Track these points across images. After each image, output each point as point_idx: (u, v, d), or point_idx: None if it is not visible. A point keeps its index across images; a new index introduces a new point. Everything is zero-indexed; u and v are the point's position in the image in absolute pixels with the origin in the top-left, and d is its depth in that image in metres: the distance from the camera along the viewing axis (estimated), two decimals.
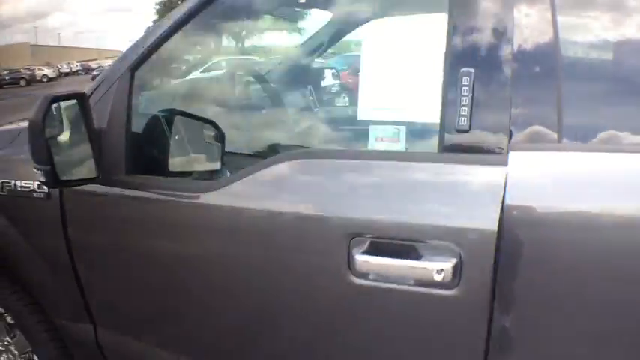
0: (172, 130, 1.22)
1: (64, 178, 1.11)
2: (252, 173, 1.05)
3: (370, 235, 0.92)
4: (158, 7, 35.12)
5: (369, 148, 1.09)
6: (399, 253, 0.88)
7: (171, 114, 1.24)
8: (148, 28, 1.35)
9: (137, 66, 1.18)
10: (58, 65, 42.28)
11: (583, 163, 0.84)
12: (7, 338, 1.75)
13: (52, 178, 1.09)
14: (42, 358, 1.60)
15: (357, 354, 1.02)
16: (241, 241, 1.07)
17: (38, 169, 1.10)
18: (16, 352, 1.71)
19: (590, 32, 0.94)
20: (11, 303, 1.57)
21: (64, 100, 1.12)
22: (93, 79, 8.03)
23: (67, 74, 41.77)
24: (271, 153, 1.34)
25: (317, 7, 1.83)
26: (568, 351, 0.84)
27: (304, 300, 1.04)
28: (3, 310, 1.63)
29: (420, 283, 0.88)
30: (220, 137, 1.28)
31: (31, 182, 1.38)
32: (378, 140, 1.08)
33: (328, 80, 2.09)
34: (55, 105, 1.10)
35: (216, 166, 1.22)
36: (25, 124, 1.25)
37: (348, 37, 1.82)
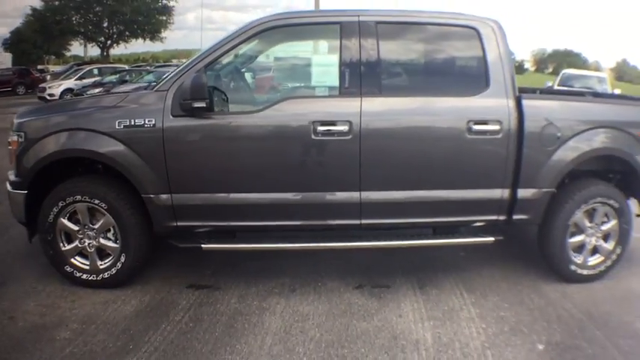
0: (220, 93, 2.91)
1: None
2: (270, 106, 2.85)
3: (319, 122, 2.84)
4: None
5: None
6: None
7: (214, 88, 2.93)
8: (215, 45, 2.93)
9: (207, 65, 2.86)
10: None
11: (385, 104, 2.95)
12: (89, 224, 3.01)
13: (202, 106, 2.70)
14: (124, 227, 2.95)
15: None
16: (267, 136, 2.86)
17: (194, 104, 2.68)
18: (94, 233, 3.01)
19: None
20: (109, 197, 2.93)
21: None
22: None
23: None
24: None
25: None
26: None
27: (291, 153, 2.89)
28: (99, 201, 2.94)
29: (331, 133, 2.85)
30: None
31: (143, 117, 2.85)
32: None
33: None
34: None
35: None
36: (128, 87, 2.73)
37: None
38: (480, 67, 3.01)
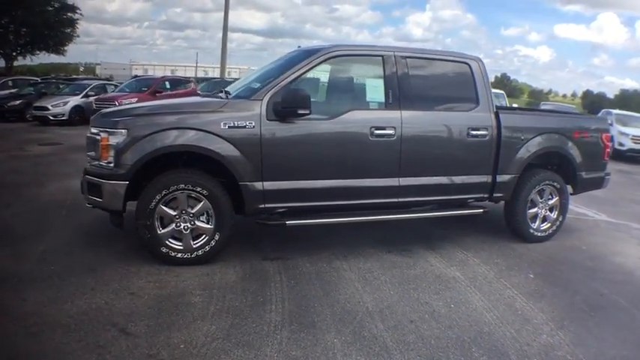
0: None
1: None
2: (341, 115, 3.79)
3: (375, 127, 3.85)
4: None
5: None
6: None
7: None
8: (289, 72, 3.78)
9: (292, 82, 3.71)
10: None
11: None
12: (187, 208, 3.59)
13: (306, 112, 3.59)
14: (220, 210, 3.61)
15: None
16: (338, 137, 3.80)
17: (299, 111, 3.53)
18: (190, 217, 3.61)
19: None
20: (210, 185, 3.59)
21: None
22: None
23: None
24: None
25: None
26: None
27: (355, 150, 3.85)
28: (200, 189, 3.56)
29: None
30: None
31: (244, 120, 3.57)
32: None
33: None
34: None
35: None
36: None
37: None
38: (472, 90, 4.33)
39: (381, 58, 4.04)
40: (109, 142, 3.53)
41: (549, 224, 4.71)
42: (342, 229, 4.53)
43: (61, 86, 17.08)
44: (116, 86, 17.35)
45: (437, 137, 4.15)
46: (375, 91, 4.01)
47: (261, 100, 3.66)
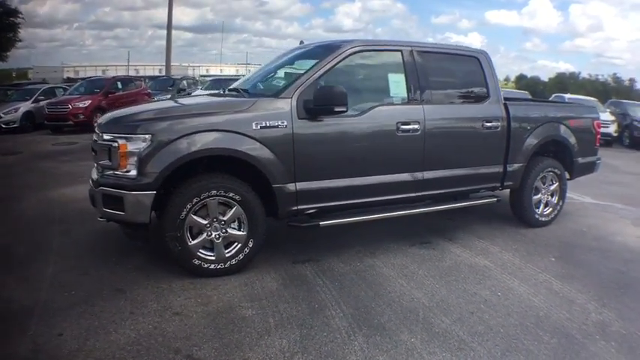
0: None
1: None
2: (368, 111, 3.72)
3: (401, 122, 3.83)
4: None
5: None
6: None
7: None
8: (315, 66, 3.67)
9: (319, 78, 3.59)
10: None
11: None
12: (219, 215, 3.37)
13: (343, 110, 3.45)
14: (253, 216, 3.43)
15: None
16: (368, 133, 3.74)
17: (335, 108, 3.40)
18: (221, 225, 3.39)
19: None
20: (242, 189, 3.39)
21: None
22: None
23: None
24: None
25: None
26: None
27: (383, 146, 3.81)
28: (233, 194, 3.35)
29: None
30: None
31: (276, 119, 3.39)
32: None
33: None
34: None
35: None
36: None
37: None
38: (482, 83, 4.43)
39: (400, 52, 4.01)
40: (128, 149, 3.21)
41: (551, 209, 4.95)
42: (354, 227, 4.47)
43: (9, 93, 16.26)
44: (65, 89, 16.19)
45: (457, 130, 4.21)
46: (397, 86, 3.98)
47: (290, 97, 3.50)
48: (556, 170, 4.85)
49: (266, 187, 3.48)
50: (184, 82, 19.12)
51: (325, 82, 3.65)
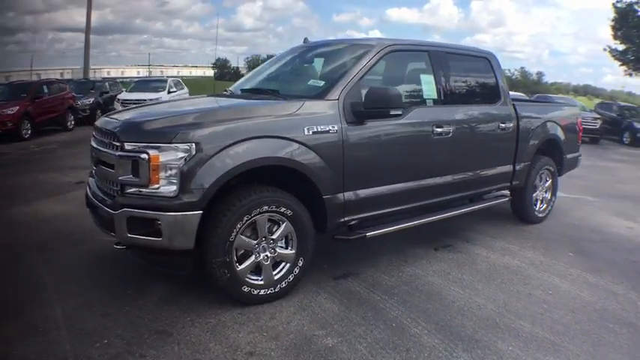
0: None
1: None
2: (408, 113, 3.55)
3: (435, 124, 3.74)
4: None
5: None
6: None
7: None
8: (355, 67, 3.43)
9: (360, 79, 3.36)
10: None
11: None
12: (266, 234, 3.01)
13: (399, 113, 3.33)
14: (303, 231, 3.11)
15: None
16: (409, 136, 3.59)
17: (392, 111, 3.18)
18: (268, 245, 3.03)
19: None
20: (293, 203, 3.06)
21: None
22: None
23: None
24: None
25: None
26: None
27: (422, 149, 3.69)
28: (285, 209, 3.01)
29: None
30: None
31: (326, 124, 3.10)
32: None
33: None
34: None
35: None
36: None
37: None
38: (495, 84, 4.50)
39: (427, 53, 3.92)
40: (162, 161, 2.70)
41: (546, 205, 5.21)
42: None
43: None
44: None
45: (481, 131, 4.22)
46: (428, 87, 3.88)
47: (337, 99, 3.23)
48: (550, 168, 5.11)
49: (312, 199, 3.18)
50: (106, 84, 17.44)
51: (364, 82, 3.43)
